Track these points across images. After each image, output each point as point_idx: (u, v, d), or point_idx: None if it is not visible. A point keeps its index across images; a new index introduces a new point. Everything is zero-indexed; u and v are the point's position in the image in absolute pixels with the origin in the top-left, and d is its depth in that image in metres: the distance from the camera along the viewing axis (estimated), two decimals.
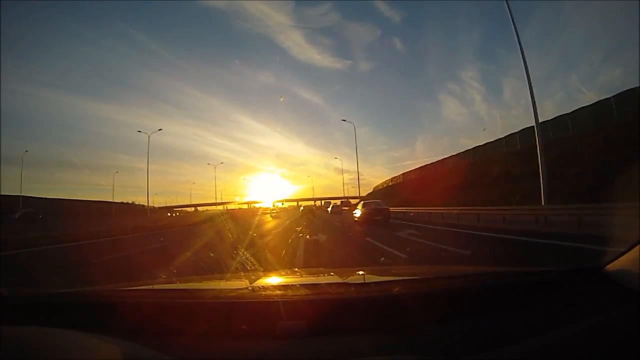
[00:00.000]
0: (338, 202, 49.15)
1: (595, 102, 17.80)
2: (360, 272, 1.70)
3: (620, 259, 0.93)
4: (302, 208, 33.45)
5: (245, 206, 68.45)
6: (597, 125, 15.85)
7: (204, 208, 71.42)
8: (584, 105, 18.94)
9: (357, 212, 15.88)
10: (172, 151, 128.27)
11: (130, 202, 57.96)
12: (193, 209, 72.74)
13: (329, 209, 35.42)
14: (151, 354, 0.70)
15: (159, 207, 60.67)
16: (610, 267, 0.94)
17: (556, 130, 18.84)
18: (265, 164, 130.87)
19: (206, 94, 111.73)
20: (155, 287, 1.47)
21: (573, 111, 19.04)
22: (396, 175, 48.01)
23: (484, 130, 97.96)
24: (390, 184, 46.15)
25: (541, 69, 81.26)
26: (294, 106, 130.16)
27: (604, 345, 0.73)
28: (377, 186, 52.91)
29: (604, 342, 0.73)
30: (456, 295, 0.97)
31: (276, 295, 0.98)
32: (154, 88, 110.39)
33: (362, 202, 17.14)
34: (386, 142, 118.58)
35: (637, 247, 0.88)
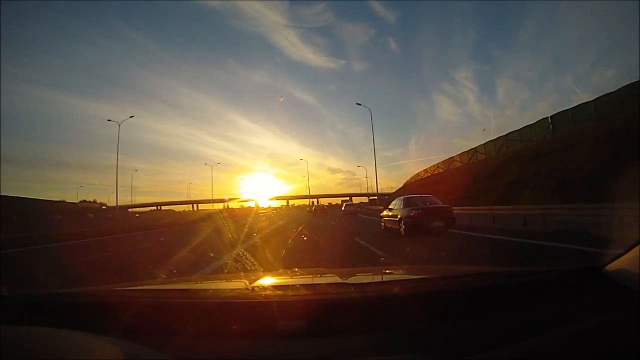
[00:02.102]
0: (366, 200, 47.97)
1: (594, 99, 17.84)
2: (361, 272, 1.70)
3: (620, 259, 0.93)
4: (313, 207, 33.32)
5: (222, 205, 61.08)
6: (594, 122, 15.67)
7: (174, 207, 65.23)
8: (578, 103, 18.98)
9: (393, 215, 9.82)
10: (166, 151, 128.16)
11: (91, 200, 55.54)
12: (155, 208, 66.66)
13: (343, 209, 32.35)
14: (151, 354, 0.70)
15: (106, 208, 52.76)
16: (610, 267, 0.94)
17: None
18: (259, 164, 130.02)
19: (200, 93, 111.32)
20: (155, 287, 1.47)
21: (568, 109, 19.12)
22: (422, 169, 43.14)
23: (483, 130, 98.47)
24: (423, 175, 40.48)
25: (535, 69, 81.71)
26: (288, 106, 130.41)
27: (604, 345, 0.73)
28: (408, 181, 48.14)
29: (604, 342, 0.73)
30: (456, 295, 0.97)
31: (276, 295, 0.98)
32: (148, 87, 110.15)
33: (402, 198, 10.15)
34: (380, 142, 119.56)
35: (637, 247, 0.88)
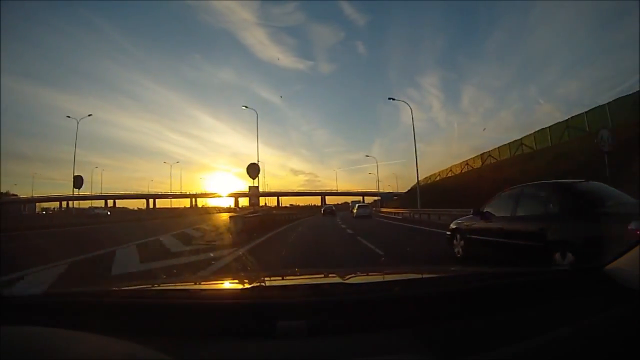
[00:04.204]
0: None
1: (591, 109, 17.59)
2: (361, 273, 1.70)
3: (620, 259, 0.93)
4: (322, 210, 32.88)
5: (143, 203, 56.62)
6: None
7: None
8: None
9: (518, 233, 3.92)
10: (127, 146, 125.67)
11: (5, 192, 50.13)
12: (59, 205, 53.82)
13: (354, 211, 25.40)
14: (151, 354, 0.70)
15: None
16: (610, 267, 0.95)
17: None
18: (220, 162, 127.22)
19: (164, 88, 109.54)
20: (156, 287, 1.47)
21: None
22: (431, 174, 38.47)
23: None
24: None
25: (501, 79, 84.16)
26: (253, 105, 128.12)
27: (604, 345, 0.73)
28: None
29: (604, 342, 0.73)
30: (456, 295, 0.97)
31: (276, 295, 0.98)
32: (111, 79, 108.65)
33: (551, 186, 4.06)
34: (343, 145, 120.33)
35: (637, 247, 0.88)
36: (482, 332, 0.82)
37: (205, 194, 71.09)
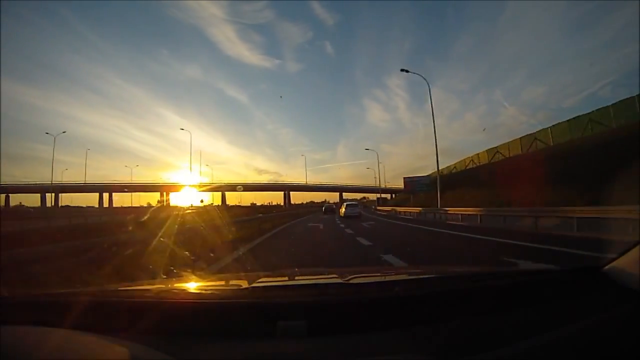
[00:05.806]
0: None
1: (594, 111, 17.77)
2: (361, 272, 1.70)
3: (620, 259, 0.93)
4: (323, 208, 33.62)
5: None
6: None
7: None
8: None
9: None
10: (90, 143, 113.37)
11: None
12: None
13: (343, 210, 23.10)
14: (151, 354, 0.70)
15: None
16: (610, 267, 0.95)
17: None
18: (185, 161, 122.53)
19: (130, 84, 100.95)
20: (156, 287, 1.47)
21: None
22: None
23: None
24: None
25: (467, 82, 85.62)
26: (219, 103, 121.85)
27: (604, 345, 0.73)
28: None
29: (604, 342, 0.73)
30: (456, 295, 0.97)
31: (276, 295, 0.98)
32: (76, 73, 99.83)
33: None
34: (308, 144, 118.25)
35: (637, 247, 0.89)
36: (482, 332, 0.82)
37: (121, 185, 55.11)
